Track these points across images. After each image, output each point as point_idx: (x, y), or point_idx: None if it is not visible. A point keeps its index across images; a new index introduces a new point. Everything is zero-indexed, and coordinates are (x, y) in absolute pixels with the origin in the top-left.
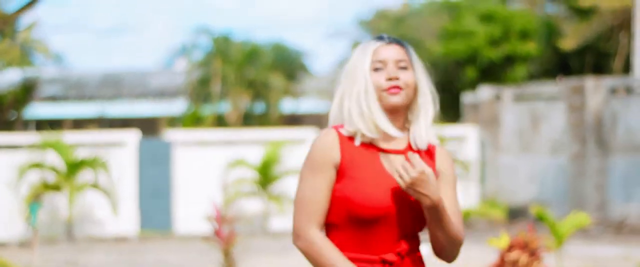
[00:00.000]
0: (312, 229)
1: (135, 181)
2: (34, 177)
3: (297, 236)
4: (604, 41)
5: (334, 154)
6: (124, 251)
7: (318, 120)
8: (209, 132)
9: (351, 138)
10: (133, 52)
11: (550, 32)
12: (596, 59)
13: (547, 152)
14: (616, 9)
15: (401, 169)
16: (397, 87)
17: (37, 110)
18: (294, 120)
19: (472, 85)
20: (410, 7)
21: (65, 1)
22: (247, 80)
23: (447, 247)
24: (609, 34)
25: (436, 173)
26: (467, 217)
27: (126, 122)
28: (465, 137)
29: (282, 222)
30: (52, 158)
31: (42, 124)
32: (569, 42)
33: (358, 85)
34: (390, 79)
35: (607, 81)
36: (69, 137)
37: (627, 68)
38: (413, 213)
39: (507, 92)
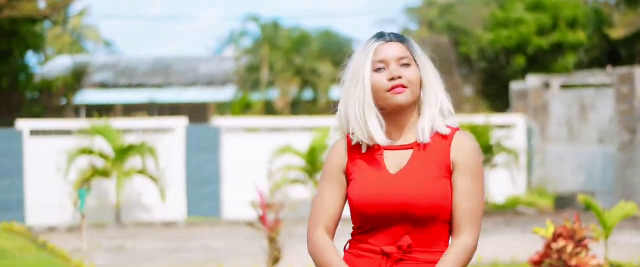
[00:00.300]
0: (318, 231)
1: (183, 167)
2: (83, 163)
3: (307, 239)
4: None
5: (342, 161)
6: (171, 236)
7: None
8: (257, 119)
9: (358, 144)
10: (183, 40)
11: (600, 20)
12: None
13: (596, 141)
14: None
15: None
16: (401, 86)
17: (88, 96)
18: None
19: (521, 74)
20: None
21: None
22: (295, 68)
23: None
24: None
25: (448, 164)
26: (514, 206)
27: (176, 109)
28: (513, 125)
29: None
30: (101, 144)
31: (93, 110)
32: (618, 30)
33: (358, 89)
34: (392, 79)
35: None
36: (118, 123)
37: None
38: (413, 209)
39: (556, 81)
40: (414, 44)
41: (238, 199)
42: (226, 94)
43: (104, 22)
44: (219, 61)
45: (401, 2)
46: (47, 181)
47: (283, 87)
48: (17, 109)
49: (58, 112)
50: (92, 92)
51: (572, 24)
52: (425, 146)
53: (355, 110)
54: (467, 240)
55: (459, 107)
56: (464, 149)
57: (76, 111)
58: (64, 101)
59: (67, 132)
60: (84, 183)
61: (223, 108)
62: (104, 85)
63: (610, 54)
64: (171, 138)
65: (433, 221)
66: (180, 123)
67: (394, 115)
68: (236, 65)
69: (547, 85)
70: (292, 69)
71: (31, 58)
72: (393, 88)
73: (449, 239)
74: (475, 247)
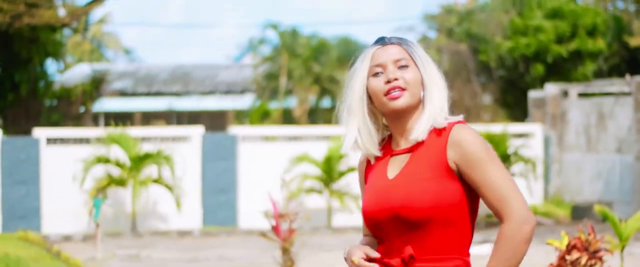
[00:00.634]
0: (361, 238)
1: (199, 175)
2: (99, 172)
3: None
4: None
5: (362, 176)
6: (187, 246)
7: None
8: (273, 127)
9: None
10: (203, 48)
11: (619, 28)
12: None
13: (613, 150)
14: None
15: None
16: (398, 87)
17: (107, 104)
18: None
19: (540, 82)
20: (478, 2)
21: None
22: (314, 75)
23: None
24: None
25: (445, 162)
26: None
27: (194, 117)
28: (530, 134)
29: (345, 218)
30: (117, 152)
31: (111, 118)
32: (637, 38)
33: (347, 98)
34: (389, 81)
35: None
36: (134, 131)
37: None
38: (404, 213)
39: (574, 89)
40: (414, 45)
41: (254, 208)
42: (245, 101)
43: (124, 29)
44: (237, 69)
45: (420, 9)
46: (63, 189)
47: (301, 95)
48: (35, 116)
49: (77, 119)
50: (111, 100)
51: (592, 32)
52: (422, 144)
53: (342, 116)
54: (508, 225)
55: (477, 115)
56: (461, 145)
57: (95, 119)
58: (82, 109)
59: (84, 140)
60: (100, 192)
61: (241, 116)
62: (123, 93)
63: (630, 61)
64: (187, 146)
65: (432, 225)
66: (197, 131)
67: (397, 119)
68: (254, 73)
69: (565, 94)
70: (310, 77)
71: (50, 66)
72: (389, 91)
73: (459, 243)
74: (523, 223)
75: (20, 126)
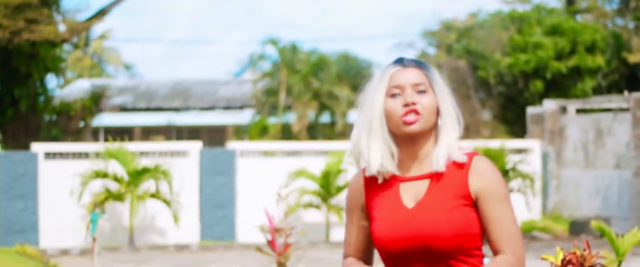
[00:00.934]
0: (346, 259)
1: (197, 190)
2: (97, 186)
3: None
4: None
5: (360, 198)
6: (184, 260)
7: None
8: (271, 143)
9: (374, 177)
10: (204, 63)
11: (619, 45)
12: None
13: (612, 166)
14: None
15: None
16: (414, 111)
17: (107, 119)
18: None
19: (539, 98)
20: (477, 18)
21: (138, 13)
22: (313, 91)
23: None
24: None
25: (467, 192)
26: (529, 231)
27: (194, 132)
28: (528, 150)
29: (342, 232)
30: (115, 167)
31: (112, 133)
32: (637, 55)
33: (370, 112)
34: (406, 105)
35: None
36: (132, 146)
37: None
38: (434, 242)
39: (572, 105)
40: (433, 71)
41: (252, 222)
42: (244, 117)
43: (125, 45)
44: (237, 84)
45: (419, 26)
46: (61, 203)
47: (300, 111)
48: (35, 131)
49: (76, 134)
50: (111, 115)
51: (591, 48)
52: (441, 175)
53: (363, 136)
54: (507, 257)
55: (477, 131)
56: (483, 176)
57: (95, 134)
58: (82, 124)
59: (82, 155)
60: (97, 206)
61: (241, 131)
62: (123, 108)
63: (629, 78)
64: (186, 161)
65: (456, 254)
66: (195, 146)
67: (409, 143)
68: (254, 89)
69: (563, 110)
70: (309, 93)
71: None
72: (406, 114)
73: (479, 263)
74: (520, 263)
75: (19, 141)
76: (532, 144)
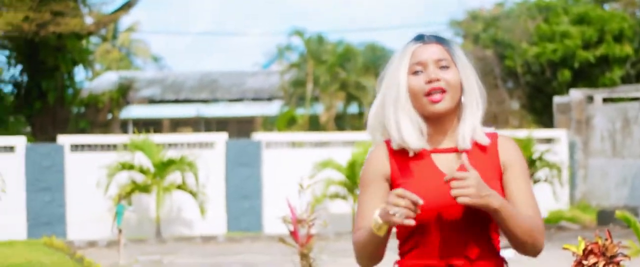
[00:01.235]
0: (357, 232)
1: (223, 182)
2: (123, 178)
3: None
4: None
5: (383, 167)
6: (210, 251)
7: None
8: (297, 134)
9: (400, 150)
10: (232, 55)
11: None
12: None
13: (639, 155)
14: None
15: (455, 189)
16: (439, 89)
17: (135, 111)
18: None
19: (567, 87)
20: (504, 8)
21: (164, 5)
22: (340, 82)
23: (527, 241)
24: None
25: (499, 166)
26: (557, 221)
27: (222, 124)
28: (555, 139)
29: None
30: (141, 159)
31: (140, 125)
32: None
33: (392, 92)
34: (430, 81)
35: None
36: (158, 138)
37: None
38: (477, 213)
39: (598, 95)
40: (454, 46)
41: (279, 213)
42: (272, 108)
43: (153, 37)
44: (265, 76)
45: (446, 15)
46: (88, 195)
47: (327, 102)
48: (63, 124)
49: (104, 127)
50: (139, 107)
51: (618, 37)
52: (474, 148)
53: (390, 113)
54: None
55: (505, 121)
56: (513, 150)
57: (123, 126)
58: (109, 116)
59: (108, 147)
60: (122, 198)
61: (269, 123)
62: (151, 100)
63: None
64: (212, 153)
65: (491, 226)
66: (221, 138)
67: (435, 120)
68: (281, 80)
69: (590, 99)
70: (336, 83)
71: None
72: (430, 91)
73: (498, 244)
74: (543, 235)
75: (47, 134)
76: (559, 134)
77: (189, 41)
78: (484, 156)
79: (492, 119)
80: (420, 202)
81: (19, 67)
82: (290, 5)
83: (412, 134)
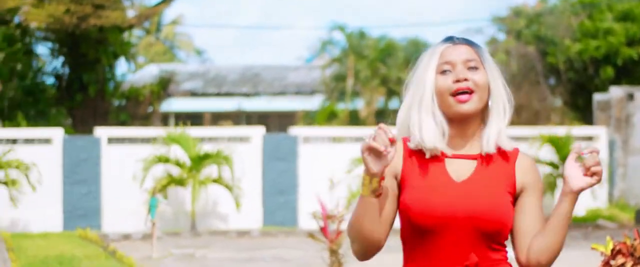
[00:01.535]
0: None
1: (260, 176)
2: (159, 171)
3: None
4: None
5: (396, 166)
6: (244, 246)
7: None
8: (333, 128)
9: (417, 150)
10: (276, 49)
11: None
12: None
13: None
14: None
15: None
16: (467, 89)
17: (177, 104)
18: None
19: (610, 84)
20: (547, 4)
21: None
22: (381, 77)
23: (560, 249)
24: None
25: (513, 181)
26: (594, 219)
27: (264, 117)
28: (595, 137)
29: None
30: (178, 152)
31: (182, 118)
32: None
33: (418, 91)
34: (458, 81)
35: None
36: (194, 131)
37: None
38: (482, 222)
39: (639, 92)
40: (483, 49)
41: (314, 209)
42: (314, 103)
43: (196, 31)
44: (307, 70)
45: (489, 12)
46: (124, 188)
47: (368, 97)
48: (103, 116)
49: (144, 119)
50: (181, 100)
51: None
52: (490, 158)
53: (414, 112)
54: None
55: (546, 118)
56: (530, 171)
57: (165, 119)
58: (150, 109)
59: (145, 140)
60: (156, 191)
61: (309, 117)
62: (193, 94)
63: None
64: (248, 147)
65: (496, 238)
66: (258, 132)
67: (458, 122)
68: (322, 75)
69: (630, 97)
70: (377, 79)
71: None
72: (457, 91)
73: (506, 258)
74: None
75: (88, 126)
76: (599, 131)
77: (234, 35)
78: (502, 163)
79: (534, 115)
80: (392, 136)
81: (61, 59)
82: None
83: (432, 135)
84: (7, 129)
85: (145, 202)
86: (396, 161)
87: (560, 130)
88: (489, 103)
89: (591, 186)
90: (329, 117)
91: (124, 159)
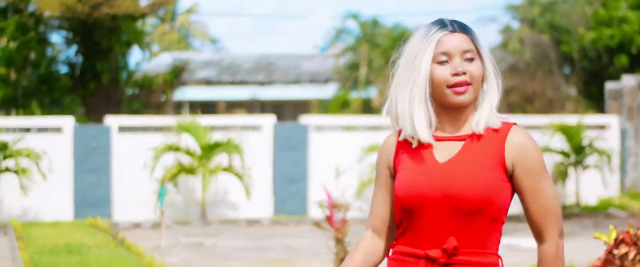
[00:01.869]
0: (366, 232)
1: (270, 165)
2: (169, 160)
3: None
4: None
5: (389, 156)
6: (254, 234)
7: None
8: (344, 117)
9: (408, 140)
10: (288, 38)
11: None
12: None
13: None
14: None
15: None
16: (465, 82)
17: (191, 93)
18: None
19: (623, 73)
20: None
21: None
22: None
23: None
24: None
25: (502, 157)
26: (606, 208)
27: (278, 106)
28: (606, 126)
29: None
30: (188, 141)
31: (196, 107)
32: None
33: (411, 79)
34: (456, 74)
35: None
36: (205, 120)
37: None
38: (459, 201)
39: None
40: (477, 35)
41: (325, 197)
42: (328, 91)
43: (211, 19)
44: (321, 59)
45: (503, 0)
46: (134, 177)
47: (381, 85)
48: (116, 105)
49: (158, 108)
50: (195, 89)
51: None
52: (478, 137)
53: (404, 101)
54: (551, 248)
55: (561, 106)
56: (520, 147)
57: (178, 107)
58: (163, 98)
59: (155, 129)
60: (165, 180)
61: (323, 106)
62: (207, 82)
63: None
64: (259, 136)
65: (480, 216)
66: (268, 121)
67: (451, 110)
68: (336, 63)
69: None
70: (391, 67)
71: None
72: (456, 84)
73: (496, 240)
74: (561, 248)
75: (101, 115)
76: (610, 120)
77: (249, 23)
78: (491, 141)
79: (548, 104)
80: None
81: (74, 48)
82: None
83: (423, 128)
84: (16, 117)
85: (155, 190)
86: (390, 152)
87: (571, 119)
88: (483, 88)
89: None
90: (342, 105)
91: (135, 147)
